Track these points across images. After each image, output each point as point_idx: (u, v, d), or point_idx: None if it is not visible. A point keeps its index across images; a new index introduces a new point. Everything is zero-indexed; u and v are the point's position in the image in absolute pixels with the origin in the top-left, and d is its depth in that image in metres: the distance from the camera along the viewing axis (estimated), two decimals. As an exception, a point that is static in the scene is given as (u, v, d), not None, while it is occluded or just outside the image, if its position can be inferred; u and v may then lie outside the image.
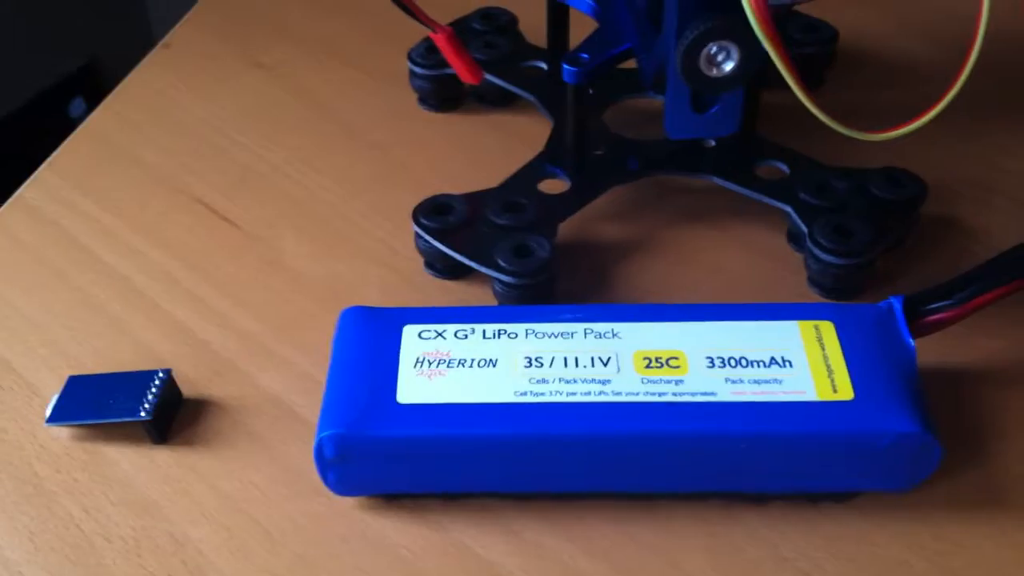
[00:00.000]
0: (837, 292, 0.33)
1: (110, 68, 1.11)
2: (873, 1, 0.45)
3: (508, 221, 0.33)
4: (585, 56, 0.33)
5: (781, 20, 0.39)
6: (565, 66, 0.33)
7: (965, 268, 0.30)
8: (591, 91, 0.37)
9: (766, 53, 0.26)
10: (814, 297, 0.33)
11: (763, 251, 0.35)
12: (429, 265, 0.34)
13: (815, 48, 0.39)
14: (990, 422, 0.29)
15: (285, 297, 0.34)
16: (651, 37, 0.32)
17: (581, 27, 0.36)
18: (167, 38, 0.44)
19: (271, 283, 0.34)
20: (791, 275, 0.34)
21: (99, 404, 0.29)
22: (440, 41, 0.34)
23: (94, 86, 1.07)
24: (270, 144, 0.39)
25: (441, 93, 0.40)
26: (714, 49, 0.27)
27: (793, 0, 0.28)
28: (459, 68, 0.34)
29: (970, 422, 0.29)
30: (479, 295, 0.34)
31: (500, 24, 0.41)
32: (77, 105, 1.05)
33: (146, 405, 0.29)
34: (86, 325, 0.33)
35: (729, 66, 0.28)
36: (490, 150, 0.39)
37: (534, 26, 0.40)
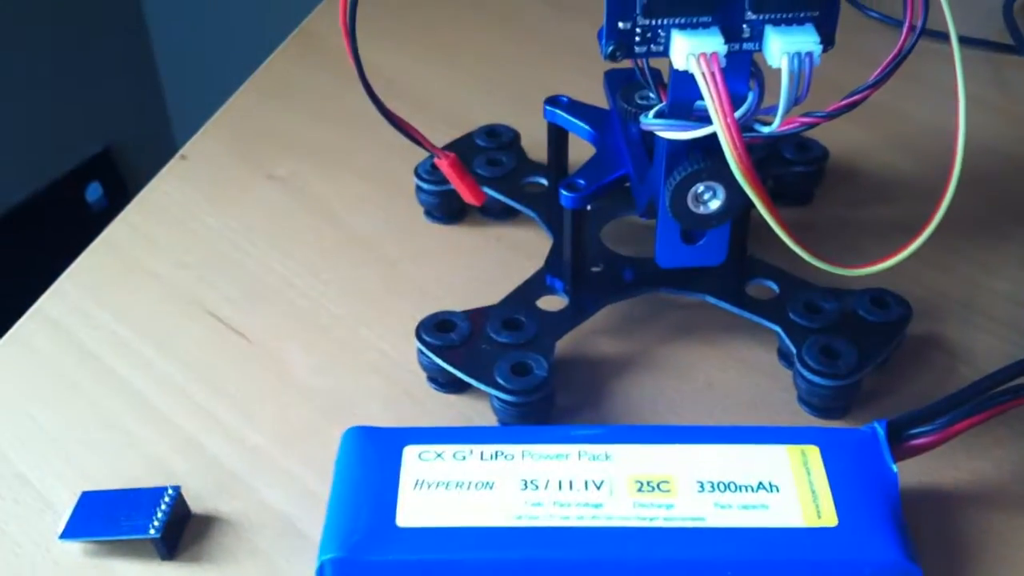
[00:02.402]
0: (825, 411, 0.34)
1: (127, 154, 1.15)
2: (862, 119, 0.46)
3: (507, 339, 0.34)
4: (582, 182, 0.35)
5: (769, 146, 0.41)
6: (563, 192, 0.34)
7: (950, 387, 0.31)
8: (589, 207, 0.39)
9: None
10: (803, 414, 0.34)
11: (754, 368, 0.36)
12: (431, 379, 0.36)
13: (805, 167, 0.41)
14: (972, 544, 0.30)
15: (292, 410, 0.35)
16: (644, 167, 0.33)
17: (581, 145, 0.38)
18: (184, 149, 0.46)
19: (278, 396, 0.35)
20: (781, 392, 0.35)
21: (111, 520, 0.30)
22: (444, 166, 0.35)
23: (111, 171, 1.10)
24: (281, 256, 0.41)
25: (446, 207, 0.42)
26: (701, 188, 0.29)
27: (773, 136, 0.29)
28: (462, 191, 0.36)
29: (952, 544, 0.30)
30: (480, 409, 0.35)
31: (503, 142, 0.43)
32: (94, 189, 1.08)
33: (155, 523, 0.30)
34: (100, 439, 0.34)
35: (715, 204, 0.29)
36: (493, 263, 0.40)
37: (536, 138, 0.41)
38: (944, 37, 0.27)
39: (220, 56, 1.15)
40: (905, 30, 0.29)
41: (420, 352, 0.35)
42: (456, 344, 0.34)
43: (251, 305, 0.39)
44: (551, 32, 0.54)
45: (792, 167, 0.41)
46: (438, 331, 0.35)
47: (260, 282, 0.40)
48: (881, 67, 0.30)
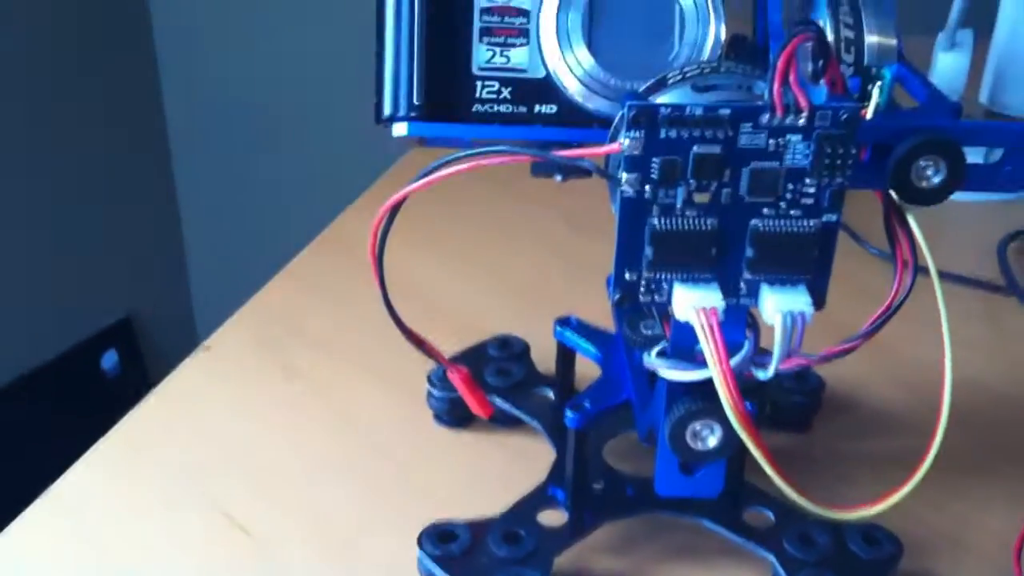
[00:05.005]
0: (816, 647, 0.34)
1: (146, 324, 1.17)
2: (861, 352, 0.48)
3: (507, 553, 0.35)
4: (587, 405, 0.36)
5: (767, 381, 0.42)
6: (568, 413, 0.36)
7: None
8: (592, 427, 0.40)
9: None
10: (795, 647, 0.34)
11: (749, 595, 0.36)
12: (432, 588, 0.36)
13: (803, 397, 0.43)
14: None
15: (291, 613, 0.35)
16: (646, 396, 0.35)
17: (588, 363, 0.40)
18: (208, 341, 0.48)
19: (279, 597, 0.36)
20: (775, 623, 0.35)
21: None
22: (455, 380, 0.37)
23: (128, 340, 1.12)
24: (294, 452, 0.42)
25: (455, 413, 0.44)
26: (699, 426, 0.30)
27: (769, 380, 0.31)
28: (471, 403, 0.38)
29: None
30: (476, 622, 0.35)
31: (514, 352, 0.45)
32: (110, 357, 1.10)
33: None
34: (100, 631, 0.34)
35: (713, 442, 0.30)
36: (498, 470, 0.42)
37: (547, 347, 0.43)
38: (943, 276, 0.29)
39: (245, 241, 1.20)
40: (897, 281, 0.31)
41: (420, 561, 0.36)
42: (456, 555, 0.35)
43: (259, 502, 0.40)
44: (569, 250, 0.56)
45: (790, 396, 0.42)
46: (440, 541, 0.36)
47: (270, 479, 0.41)
48: (873, 318, 0.32)
